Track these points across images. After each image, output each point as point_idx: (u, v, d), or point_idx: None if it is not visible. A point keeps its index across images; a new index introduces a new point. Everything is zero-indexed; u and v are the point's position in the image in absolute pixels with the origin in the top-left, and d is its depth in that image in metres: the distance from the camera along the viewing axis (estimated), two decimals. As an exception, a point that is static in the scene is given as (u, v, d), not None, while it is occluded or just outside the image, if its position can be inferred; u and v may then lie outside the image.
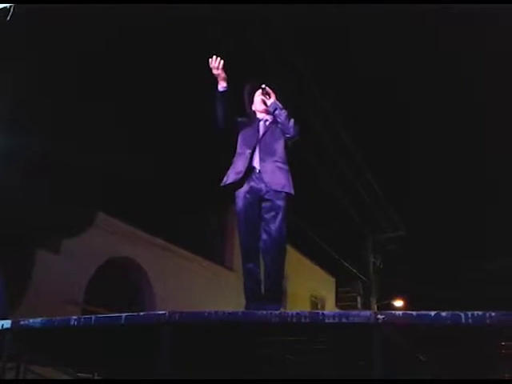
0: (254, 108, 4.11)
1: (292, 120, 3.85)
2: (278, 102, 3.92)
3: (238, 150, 3.87)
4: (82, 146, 9.90)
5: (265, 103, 3.98)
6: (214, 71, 3.76)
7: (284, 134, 3.84)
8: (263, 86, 3.94)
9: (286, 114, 3.85)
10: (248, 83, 4.15)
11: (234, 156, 3.91)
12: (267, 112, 4.00)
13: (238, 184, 3.74)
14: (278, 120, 3.85)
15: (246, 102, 4.16)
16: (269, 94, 3.94)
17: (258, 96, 4.03)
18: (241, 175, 3.71)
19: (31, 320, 3.29)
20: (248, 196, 3.71)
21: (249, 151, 3.77)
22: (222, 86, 3.79)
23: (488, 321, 2.29)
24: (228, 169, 3.89)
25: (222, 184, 3.84)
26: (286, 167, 3.79)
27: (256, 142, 3.80)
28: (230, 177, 3.78)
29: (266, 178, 3.68)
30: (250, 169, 3.74)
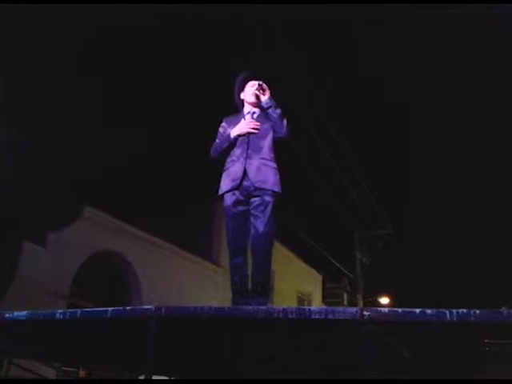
0: (243, 97, 4.09)
1: (285, 120, 3.83)
2: (272, 100, 3.89)
3: (232, 156, 3.82)
4: (70, 139, 9.84)
5: (257, 97, 3.94)
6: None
7: (275, 132, 3.81)
8: (260, 82, 3.90)
9: (279, 112, 3.83)
10: (243, 71, 4.11)
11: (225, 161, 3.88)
12: (256, 106, 3.97)
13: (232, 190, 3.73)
14: (271, 118, 3.82)
15: (236, 89, 4.12)
16: (264, 90, 3.92)
17: (252, 87, 3.98)
18: (238, 182, 3.69)
19: (16, 313, 3.26)
20: (236, 192, 3.70)
21: (243, 156, 3.74)
22: (234, 135, 3.84)
23: (472, 318, 2.31)
24: (220, 173, 3.87)
25: (219, 193, 3.82)
26: (272, 164, 3.76)
27: (247, 144, 3.78)
28: (227, 184, 3.75)
29: (251, 174, 3.66)
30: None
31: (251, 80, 4.01)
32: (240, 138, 3.83)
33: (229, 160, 3.84)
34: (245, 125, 3.84)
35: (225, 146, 3.87)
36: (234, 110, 4.15)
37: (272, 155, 3.79)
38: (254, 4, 9.10)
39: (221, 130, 4.00)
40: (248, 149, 3.74)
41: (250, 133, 3.79)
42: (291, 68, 10.78)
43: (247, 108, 4.02)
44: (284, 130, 3.80)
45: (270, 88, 3.94)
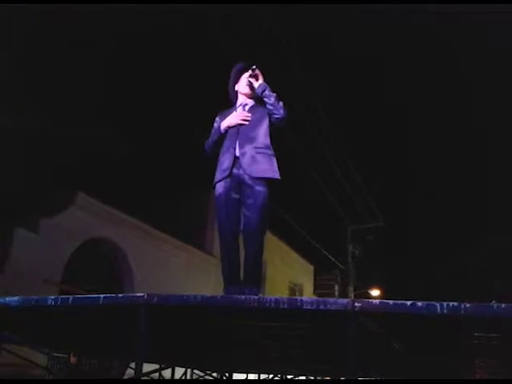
0: (237, 88, 4.08)
1: (281, 102, 3.82)
2: (266, 84, 3.89)
3: (223, 148, 3.84)
4: (64, 125, 9.78)
5: (250, 87, 3.95)
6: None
7: (273, 115, 3.79)
8: (253, 67, 3.90)
9: (275, 95, 3.83)
10: (239, 62, 4.11)
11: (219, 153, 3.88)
12: (250, 96, 3.98)
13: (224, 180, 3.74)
14: (268, 101, 3.80)
15: (231, 80, 4.11)
16: (257, 76, 3.91)
17: (245, 78, 3.99)
18: (227, 172, 3.70)
19: (8, 298, 3.25)
20: (228, 181, 3.71)
21: (233, 147, 3.74)
22: (224, 127, 3.87)
23: (463, 311, 2.33)
24: (215, 163, 3.89)
25: (213, 185, 3.83)
26: (268, 152, 3.74)
27: (237, 133, 3.79)
28: (219, 175, 3.77)
29: (245, 164, 3.65)
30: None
31: (245, 71, 4.01)
32: (230, 130, 3.85)
33: (221, 151, 3.86)
34: (234, 116, 3.86)
35: (215, 139, 3.92)
36: (230, 103, 4.16)
37: (268, 143, 3.79)
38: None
39: (215, 124, 4.03)
40: (238, 139, 3.75)
41: (240, 124, 3.80)
42: (285, 59, 10.77)
43: (240, 100, 4.04)
44: (282, 111, 3.79)
45: (263, 74, 3.94)
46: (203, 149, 4.06)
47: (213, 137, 3.95)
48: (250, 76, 3.92)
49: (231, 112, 3.97)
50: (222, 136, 3.88)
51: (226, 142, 3.83)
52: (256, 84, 3.90)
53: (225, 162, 3.75)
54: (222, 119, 3.94)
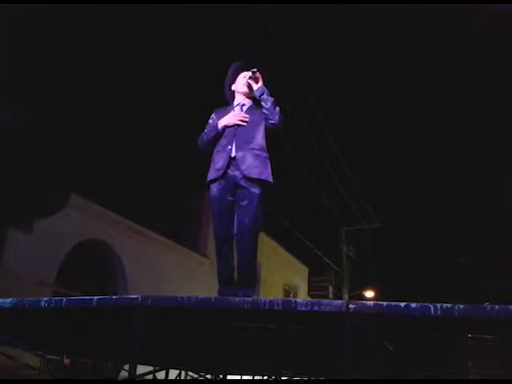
0: (234, 88, 4.08)
1: (278, 107, 3.82)
2: (265, 88, 3.89)
3: (218, 146, 3.83)
4: (59, 126, 9.75)
5: (249, 87, 3.93)
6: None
7: (268, 120, 3.79)
8: (255, 69, 3.89)
9: (272, 100, 3.82)
10: (237, 61, 4.10)
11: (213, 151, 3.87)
12: (247, 96, 3.97)
13: (217, 180, 3.73)
14: (264, 105, 3.79)
15: (227, 80, 4.10)
16: (257, 79, 3.91)
17: (244, 78, 3.97)
18: (221, 172, 3.69)
19: (0, 300, 3.24)
20: (223, 182, 3.70)
21: (229, 147, 3.73)
22: (221, 126, 3.85)
23: (456, 313, 2.34)
24: (208, 165, 3.87)
25: (206, 182, 3.82)
26: (264, 154, 3.75)
27: (234, 134, 3.78)
28: (212, 174, 3.76)
29: (242, 165, 3.64)
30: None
31: (243, 71, 4.00)
32: (227, 129, 3.82)
33: (215, 150, 3.84)
34: (233, 116, 3.84)
35: (211, 136, 3.88)
36: (225, 102, 4.14)
37: (264, 145, 3.78)
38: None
39: (210, 121, 4.00)
40: (235, 139, 3.74)
41: (238, 124, 3.79)
42: (280, 61, 10.78)
43: (238, 99, 4.02)
44: (277, 117, 3.78)
45: (263, 77, 3.94)
46: (196, 145, 4.02)
47: (208, 134, 3.92)
48: (250, 78, 3.92)
49: (228, 110, 3.95)
50: (219, 134, 3.86)
51: (222, 141, 3.81)
52: (255, 86, 3.89)
53: (219, 161, 3.73)
54: (219, 117, 3.91)
